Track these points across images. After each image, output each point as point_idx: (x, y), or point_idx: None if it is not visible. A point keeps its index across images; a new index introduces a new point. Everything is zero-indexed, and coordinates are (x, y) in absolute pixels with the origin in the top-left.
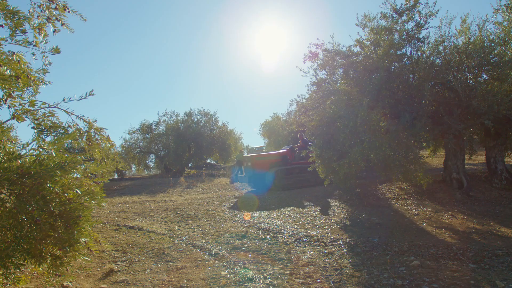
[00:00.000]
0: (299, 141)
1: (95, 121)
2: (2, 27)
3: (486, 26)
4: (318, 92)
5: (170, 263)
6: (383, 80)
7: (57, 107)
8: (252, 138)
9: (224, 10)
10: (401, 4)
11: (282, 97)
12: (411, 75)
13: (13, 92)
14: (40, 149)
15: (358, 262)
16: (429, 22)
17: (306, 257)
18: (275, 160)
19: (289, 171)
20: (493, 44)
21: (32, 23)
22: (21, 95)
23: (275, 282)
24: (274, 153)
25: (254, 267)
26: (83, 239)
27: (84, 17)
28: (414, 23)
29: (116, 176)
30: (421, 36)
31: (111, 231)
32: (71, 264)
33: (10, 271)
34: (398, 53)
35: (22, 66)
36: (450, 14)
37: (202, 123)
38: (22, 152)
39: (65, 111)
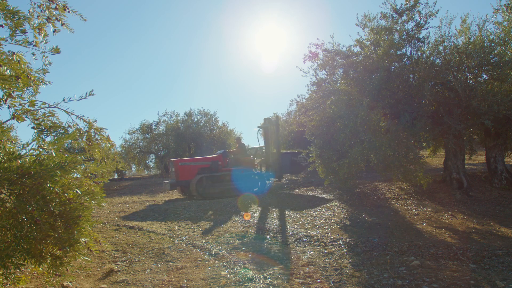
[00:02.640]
0: (236, 145)
1: (95, 121)
2: (2, 27)
3: (486, 26)
4: (318, 92)
5: (170, 263)
6: (383, 80)
7: (57, 107)
8: (252, 138)
9: (224, 10)
10: (401, 4)
11: (282, 97)
12: (411, 75)
13: (13, 92)
14: (40, 149)
15: (358, 262)
16: (429, 22)
17: (306, 257)
18: (204, 166)
19: (218, 178)
20: (493, 44)
21: (32, 23)
22: (21, 95)
23: (275, 282)
24: (203, 158)
25: (254, 267)
26: (83, 239)
27: (84, 17)
28: (414, 23)
29: (116, 176)
30: (421, 36)
31: (111, 231)
32: (71, 264)
33: (10, 271)
34: (398, 53)
35: (22, 66)
36: (450, 14)
37: (202, 123)
38: (22, 152)
39: (65, 111)
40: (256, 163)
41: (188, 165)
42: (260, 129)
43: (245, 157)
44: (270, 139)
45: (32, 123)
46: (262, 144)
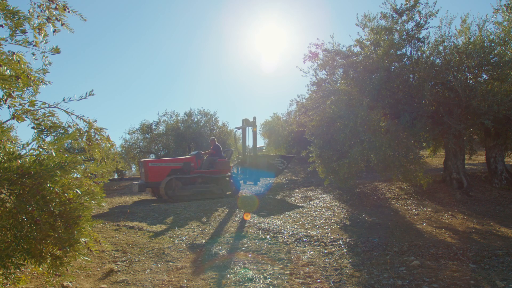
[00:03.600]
0: (211, 147)
1: (95, 121)
2: (2, 27)
3: (486, 26)
4: (318, 92)
5: (170, 263)
6: (383, 80)
7: (57, 107)
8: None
9: (224, 10)
10: (401, 4)
11: (282, 97)
12: (411, 75)
13: (13, 92)
14: (40, 149)
15: (358, 262)
16: (429, 22)
17: (306, 257)
18: (175, 167)
19: (190, 180)
20: (493, 44)
21: (32, 23)
22: (21, 95)
23: (275, 282)
24: (175, 159)
25: (254, 267)
26: (83, 239)
27: (84, 17)
28: (414, 23)
29: (116, 176)
30: (421, 36)
31: (111, 231)
32: (71, 264)
33: (10, 271)
34: (398, 53)
35: (22, 66)
36: (450, 14)
37: (202, 123)
38: (22, 152)
39: (65, 111)
40: (231, 165)
41: (158, 166)
42: (237, 131)
43: (220, 159)
44: (248, 140)
45: (32, 123)
46: (239, 145)
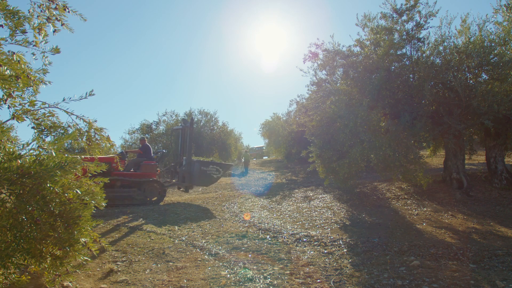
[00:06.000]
0: (140, 145)
1: (95, 121)
2: (2, 27)
3: (486, 26)
4: (318, 92)
5: (170, 263)
6: (383, 80)
7: (57, 107)
8: (252, 138)
9: (224, 10)
10: (401, 4)
11: (282, 97)
12: (411, 75)
13: (13, 92)
14: (40, 149)
15: (358, 262)
16: (429, 22)
17: (306, 257)
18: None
19: (108, 183)
20: (493, 44)
21: (32, 23)
22: (21, 95)
23: (275, 282)
24: (92, 158)
25: (254, 267)
26: (83, 239)
27: (84, 17)
28: (414, 23)
29: None
30: (421, 36)
31: (111, 231)
32: (71, 264)
33: (10, 271)
34: (398, 53)
35: (22, 66)
36: (450, 14)
37: (202, 123)
38: (22, 152)
39: (65, 111)
40: (157, 169)
41: None
42: (174, 131)
43: (147, 161)
44: (186, 141)
45: (32, 123)
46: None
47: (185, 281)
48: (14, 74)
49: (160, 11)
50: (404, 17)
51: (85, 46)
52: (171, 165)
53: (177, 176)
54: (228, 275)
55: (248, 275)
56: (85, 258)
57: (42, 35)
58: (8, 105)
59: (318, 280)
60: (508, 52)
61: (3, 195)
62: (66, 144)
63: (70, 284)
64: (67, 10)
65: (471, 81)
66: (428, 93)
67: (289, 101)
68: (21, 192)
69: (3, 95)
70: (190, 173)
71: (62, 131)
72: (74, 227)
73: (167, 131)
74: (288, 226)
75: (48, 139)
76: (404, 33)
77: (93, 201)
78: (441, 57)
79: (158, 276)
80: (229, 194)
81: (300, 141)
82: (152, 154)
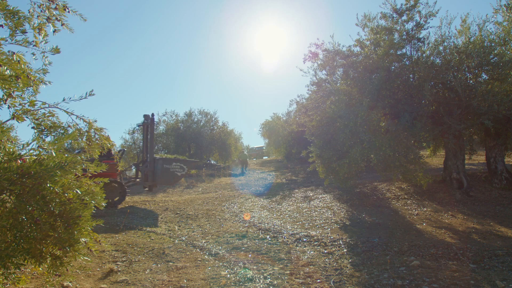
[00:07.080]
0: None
1: (95, 121)
2: (2, 27)
3: (486, 26)
4: (318, 92)
5: (170, 263)
6: (383, 80)
7: (57, 107)
8: (252, 138)
9: (224, 10)
10: (401, 4)
11: (282, 97)
12: (411, 75)
13: (13, 92)
14: (40, 149)
15: (358, 262)
16: (429, 22)
17: (306, 257)
18: None
19: None
20: (493, 44)
21: (32, 23)
22: (21, 95)
23: (275, 282)
24: None
25: (254, 267)
26: (83, 239)
27: (84, 17)
28: (414, 23)
29: None
30: (421, 36)
31: (111, 231)
32: (71, 264)
33: (10, 271)
34: (398, 53)
35: (22, 66)
36: (450, 14)
37: (202, 123)
38: (22, 152)
39: (65, 111)
40: (119, 168)
41: None
42: (138, 127)
43: (105, 160)
44: (150, 139)
45: (32, 123)
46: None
47: (185, 281)
48: (14, 74)
49: (160, 11)
50: (404, 17)
51: (85, 46)
52: (135, 163)
53: (141, 175)
54: (228, 275)
55: (248, 275)
56: (85, 258)
57: (42, 35)
58: (8, 105)
59: (318, 280)
60: (508, 52)
61: (3, 195)
62: (66, 144)
63: (70, 284)
64: (67, 10)
65: (471, 81)
66: (428, 93)
67: (289, 101)
68: (21, 192)
69: (3, 95)
70: (152, 172)
71: (62, 131)
72: (74, 227)
73: (167, 131)
74: (288, 226)
75: (48, 139)
76: (404, 33)
77: (93, 201)
78: (441, 57)
79: (158, 276)
80: (229, 194)
81: (300, 141)
82: (112, 153)
